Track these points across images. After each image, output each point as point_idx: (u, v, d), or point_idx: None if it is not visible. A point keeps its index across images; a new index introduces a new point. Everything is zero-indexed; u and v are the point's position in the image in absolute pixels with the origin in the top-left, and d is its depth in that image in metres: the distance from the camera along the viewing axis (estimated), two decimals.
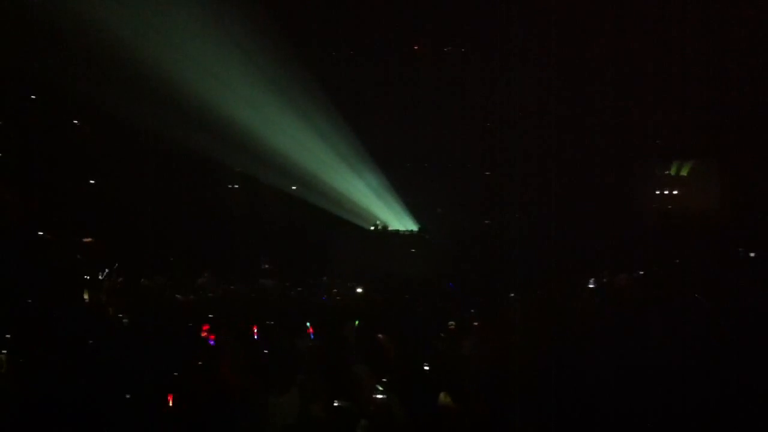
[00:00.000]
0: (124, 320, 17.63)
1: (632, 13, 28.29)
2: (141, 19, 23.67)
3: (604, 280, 18.28)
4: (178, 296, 21.09)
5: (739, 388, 9.21)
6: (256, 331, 12.96)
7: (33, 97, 25.01)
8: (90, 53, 23.23)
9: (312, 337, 13.29)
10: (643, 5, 28.16)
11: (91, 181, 26.35)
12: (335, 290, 22.43)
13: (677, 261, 22.07)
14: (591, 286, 17.61)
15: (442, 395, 8.62)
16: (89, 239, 25.77)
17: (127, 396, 10.19)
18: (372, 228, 30.92)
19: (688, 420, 8.89)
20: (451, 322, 13.68)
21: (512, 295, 19.36)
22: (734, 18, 26.99)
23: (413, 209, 30.93)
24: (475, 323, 13.60)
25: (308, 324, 13.54)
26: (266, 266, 26.58)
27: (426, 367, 10.27)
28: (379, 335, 10.81)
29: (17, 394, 10.03)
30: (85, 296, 20.13)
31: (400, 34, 31.05)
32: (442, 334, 13.20)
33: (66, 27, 22.18)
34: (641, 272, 20.11)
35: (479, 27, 30.47)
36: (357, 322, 13.00)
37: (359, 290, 20.71)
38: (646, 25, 28.36)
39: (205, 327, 11.16)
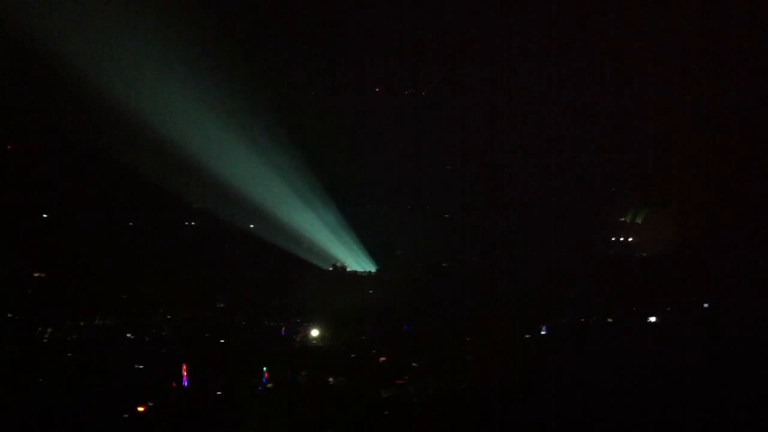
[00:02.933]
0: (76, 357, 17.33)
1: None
2: (92, 45, 23.56)
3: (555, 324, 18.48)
4: (128, 335, 20.77)
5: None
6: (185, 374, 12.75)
7: None
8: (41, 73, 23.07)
9: (265, 380, 13.09)
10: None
11: (44, 215, 25.93)
12: (294, 336, 22.20)
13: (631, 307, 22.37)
14: (543, 332, 17.74)
15: None
16: (40, 274, 25.30)
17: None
18: (330, 268, 30.71)
19: None
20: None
21: (468, 338, 19.39)
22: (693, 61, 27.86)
23: (371, 250, 30.82)
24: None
25: (264, 369, 13.34)
26: (221, 305, 26.23)
27: (385, 413, 10.22)
28: (330, 379, 10.72)
29: None
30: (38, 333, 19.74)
31: (360, 73, 31.35)
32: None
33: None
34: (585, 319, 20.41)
35: (439, 67, 30.99)
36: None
37: (315, 332, 20.53)
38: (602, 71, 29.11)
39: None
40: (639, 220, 30.97)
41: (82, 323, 21.51)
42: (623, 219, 31.30)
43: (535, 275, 25.56)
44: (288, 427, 9.14)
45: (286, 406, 10.25)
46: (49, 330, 19.93)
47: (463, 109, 30.73)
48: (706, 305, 20.36)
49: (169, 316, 23.46)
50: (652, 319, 19.20)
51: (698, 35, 27.13)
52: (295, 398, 10.86)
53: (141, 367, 15.53)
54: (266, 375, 13.20)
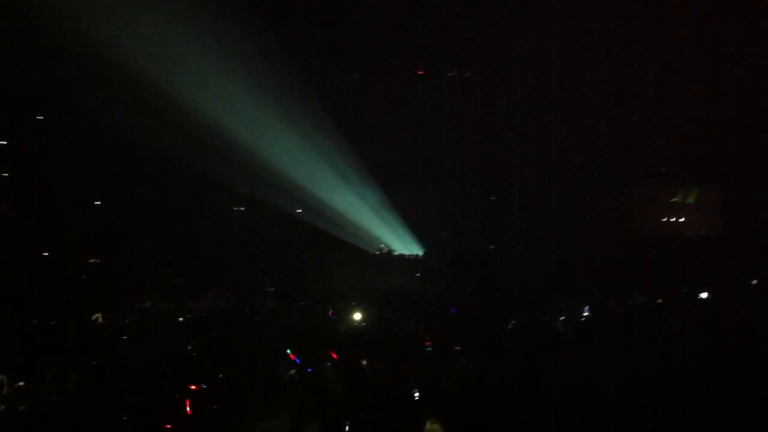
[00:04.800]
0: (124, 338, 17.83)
1: (635, 41, 28.48)
2: (153, 43, 24.01)
3: (601, 304, 18.31)
4: (180, 319, 21.25)
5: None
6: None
7: (39, 117, 25.46)
8: (101, 71, 23.60)
9: (298, 362, 13.23)
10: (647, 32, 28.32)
11: (97, 202, 26.66)
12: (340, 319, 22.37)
13: (683, 288, 22.00)
14: (585, 313, 17.60)
15: (428, 423, 8.61)
16: (93, 259, 26.08)
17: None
18: (377, 252, 30.88)
19: None
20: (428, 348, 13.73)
21: (513, 321, 19.32)
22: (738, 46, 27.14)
23: (418, 233, 30.86)
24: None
25: (288, 351, 13.45)
26: (270, 288, 26.65)
27: (416, 394, 10.23)
28: (362, 361, 10.81)
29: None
30: (94, 317, 20.36)
31: (406, 56, 31.30)
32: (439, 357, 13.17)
33: (73, 43, 22.57)
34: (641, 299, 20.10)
35: (484, 51, 30.74)
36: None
37: (357, 315, 20.68)
38: (652, 56, 28.54)
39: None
40: (691, 200, 30.37)
41: (134, 307, 22.07)
42: (675, 199, 30.72)
43: (583, 257, 25.36)
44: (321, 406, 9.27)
45: (323, 388, 10.38)
46: (107, 315, 20.48)
47: (510, 90, 30.43)
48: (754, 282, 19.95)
49: (216, 300, 23.91)
50: (704, 295, 18.92)
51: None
52: (333, 380, 10.97)
53: (190, 346, 15.90)
54: (292, 357, 13.29)
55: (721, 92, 27.16)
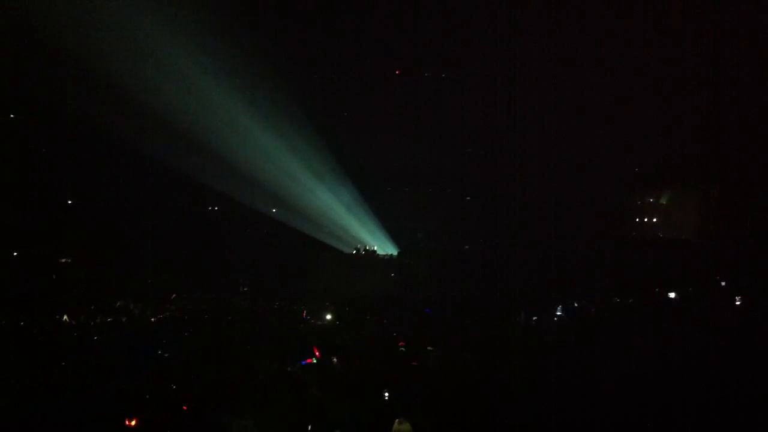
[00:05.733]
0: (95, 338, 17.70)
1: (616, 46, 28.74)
2: (128, 43, 23.91)
3: (575, 305, 18.45)
4: (152, 319, 21.12)
5: None
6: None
7: (12, 115, 25.18)
8: (80, 69, 23.45)
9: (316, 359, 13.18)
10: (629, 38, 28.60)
11: (69, 202, 26.40)
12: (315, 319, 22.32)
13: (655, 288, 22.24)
14: (558, 313, 17.77)
15: (396, 422, 8.61)
16: (66, 259, 25.79)
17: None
18: (353, 251, 30.80)
19: None
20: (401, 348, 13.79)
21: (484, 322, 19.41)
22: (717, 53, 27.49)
23: (393, 233, 30.82)
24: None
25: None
26: (244, 289, 26.55)
27: (386, 395, 10.25)
28: (334, 359, 10.83)
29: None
30: (65, 317, 20.16)
31: (384, 56, 31.31)
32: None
33: (58, 41, 22.42)
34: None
35: (464, 51, 30.82)
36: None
37: (328, 316, 20.68)
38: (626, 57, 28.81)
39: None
40: (663, 201, 30.70)
41: (105, 307, 21.89)
42: (651, 200, 31.05)
43: (556, 258, 25.49)
44: (297, 409, 9.25)
45: (300, 389, 10.36)
46: (78, 315, 20.32)
47: (487, 91, 30.53)
48: (723, 284, 20.24)
49: (190, 301, 23.78)
50: (672, 295, 19.18)
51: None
52: (311, 381, 10.96)
53: (163, 344, 15.83)
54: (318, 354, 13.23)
55: (704, 99, 27.50)
